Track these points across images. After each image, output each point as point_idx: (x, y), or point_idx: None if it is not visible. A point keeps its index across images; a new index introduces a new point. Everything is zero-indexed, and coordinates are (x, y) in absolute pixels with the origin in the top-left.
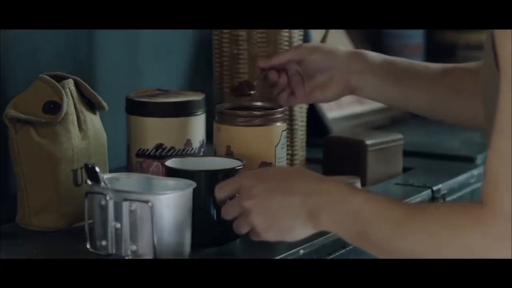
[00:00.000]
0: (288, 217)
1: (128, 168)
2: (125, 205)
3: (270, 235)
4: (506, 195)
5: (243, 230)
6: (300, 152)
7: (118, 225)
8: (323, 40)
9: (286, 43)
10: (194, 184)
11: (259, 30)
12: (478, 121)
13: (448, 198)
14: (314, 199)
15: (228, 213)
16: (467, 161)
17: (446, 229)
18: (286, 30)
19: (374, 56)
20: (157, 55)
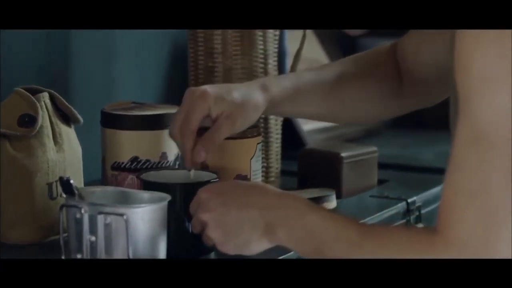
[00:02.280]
0: (245, 231)
1: (103, 181)
2: (100, 218)
3: (228, 249)
4: (460, 224)
5: (208, 242)
6: (275, 165)
7: (93, 238)
8: (298, 54)
9: (262, 56)
10: (169, 197)
11: (234, 43)
12: (371, 118)
13: (423, 211)
14: (271, 213)
15: (193, 226)
16: (442, 173)
17: (400, 253)
18: (261, 43)
19: (277, 88)
20: (132, 68)
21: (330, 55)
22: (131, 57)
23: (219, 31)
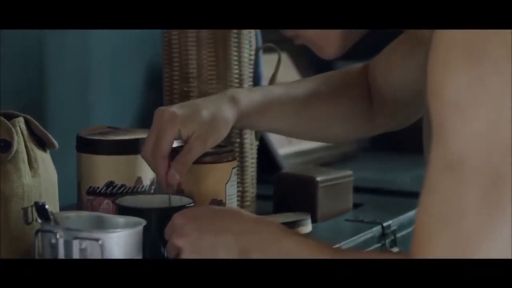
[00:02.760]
0: (219, 256)
1: (78, 206)
2: (75, 243)
3: None
4: (434, 248)
5: None
6: (251, 189)
7: None
8: (273, 78)
9: (237, 80)
10: (144, 222)
11: (209, 67)
12: (339, 138)
13: (398, 234)
14: (245, 238)
15: (168, 252)
16: (418, 197)
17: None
18: (236, 67)
19: (246, 100)
20: (107, 92)
21: (303, 74)
22: (106, 81)
23: (194, 55)
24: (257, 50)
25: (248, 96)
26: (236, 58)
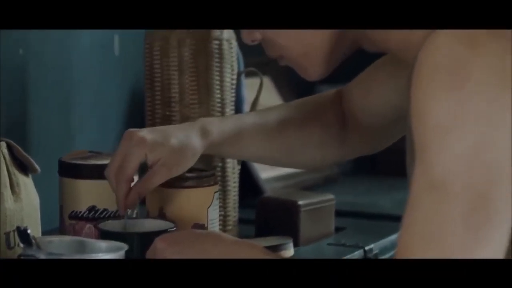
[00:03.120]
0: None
1: (61, 230)
2: None
3: None
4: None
5: None
6: (233, 213)
7: None
8: (255, 102)
9: (219, 105)
10: (126, 247)
11: (191, 92)
12: (313, 164)
13: (381, 258)
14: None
15: None
16: (399, 221)
17: None
18: (218, 92)
19: (217, 131)
20: (90, 117)
21: (285, 98)
22: (88, 106)
23: (176, 80)
24: (239, 74)
25: (219, 126)
26: (218, 82)
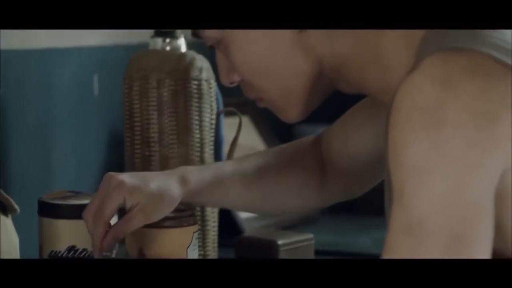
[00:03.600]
0: None
1: None
2: None
3: None
4: None
5: None
6: (212, 253)
7: None
8: (234, 142)
9: (198, 145)
10: None
11: (170, 132)
12: (293, 210)
13: None
14: None
15: None
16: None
17: None
18: (198, 132)
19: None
20: (69, 156)
21: (267, 142)
22: (68, 146)
23: (155, 120)
24: (218, 114)
25: (198, 175)
26: (197, 122)
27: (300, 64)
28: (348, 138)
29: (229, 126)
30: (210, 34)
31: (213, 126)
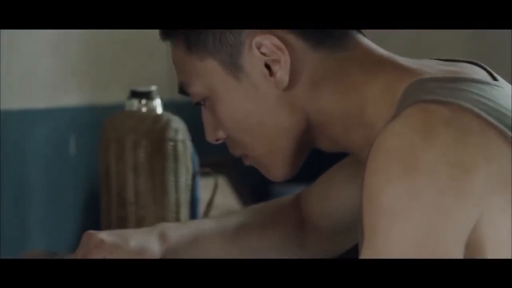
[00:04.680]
0: None
1: None
2: None
3: None
4: None
5: None
6: None
7: None
8: (210, 202)
9: (174, 206)
10: None
11: (146, 193)
12: None
13: None
14: None
15: None
16: None
17: None
18: (174, 193)
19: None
20: (45, 216)
21: (243, 203)
22: (44, 205)
23: (131, 181)
24: (194, 175)
25: (177, 232)
26: (173, 183)
27: (286, 120)
28: (327, 198)
29: (205, 186)
30: (197, 90)
31: (189, 187)
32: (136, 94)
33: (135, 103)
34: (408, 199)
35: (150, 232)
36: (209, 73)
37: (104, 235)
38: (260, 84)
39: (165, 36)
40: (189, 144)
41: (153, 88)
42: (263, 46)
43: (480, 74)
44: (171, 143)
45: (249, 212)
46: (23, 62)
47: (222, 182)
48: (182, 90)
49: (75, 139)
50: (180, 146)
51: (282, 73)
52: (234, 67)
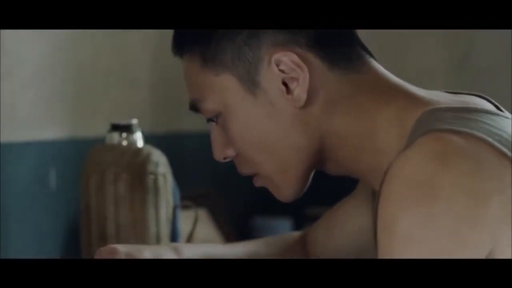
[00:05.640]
0: None
1: None
2: None
3: None
4: None
5: None
6: None
7: None
8: (190, 236)
9: (154, 239)
10: None
11: (127, 226)
12: None
13: None
14: None
15: None
16: None
17: None
18: (154, 226)
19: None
20: (26, 250)
21: (223, 235)
22: (25, 239)
23: (111, 214)
24: (174, 208)
25: (190, 249)
26: (153, 216)
27: (300, 139)
28: (331, 235)
29: (185, 219)
30: (211, 106)
31: (170, 220)
32: (116, 127)
33: (115, 136)
34: (425, 227)
35: (162, 246)
36: (225, 89)
37: (118, 246)
38: (276, 101)
39: (177, 50)
40: (169, 177)
41: (134, 121)
42: (282, 63)
43: (487, 105)
44: (151, 177)
45: (259, 243)
46: (4, 95)
47: (203, 215)
48: (194, 106)
49: (56, 172)
50: (160, 180)
51: (300, 90)
52: (251, 83)
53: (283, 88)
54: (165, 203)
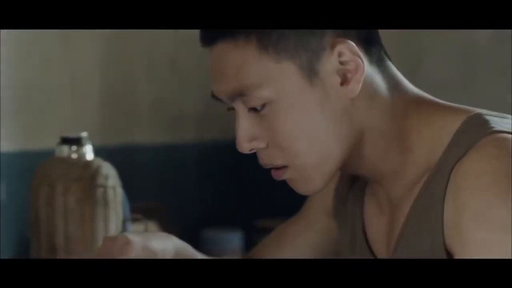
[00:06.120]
0: None
1: None
2: None
3: None
4: None
5: None
6: None
7: None
8: None
9: None
10: None
11: (76, 239)
12: None
13: None
14: None
15: None
16: None
17: None
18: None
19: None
20: None
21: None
22: None
23: (61, 227)
24: (124, 221)
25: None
26: (103, 229)
27: (345, 130)
28: (281, 250)
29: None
30: (264, 94)
31: (120, 233)
32: (66, 141)
33: (65, 149)
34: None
35: (160, 234)
36: (285, 76)
37: (129, 235)
38: (331, 91)
39: (213, 37)
40: (119, 190)
41: (84, 134)
42: (343, 53)
43: None
44: (101, 189)
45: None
46: None
47: (153, 227)
48: (231, 94)
49: (5, 185)
50: (110, 192)
51: (355, 82)
52: (310, 71)
53: (339, 78)
54: (115, 216)
